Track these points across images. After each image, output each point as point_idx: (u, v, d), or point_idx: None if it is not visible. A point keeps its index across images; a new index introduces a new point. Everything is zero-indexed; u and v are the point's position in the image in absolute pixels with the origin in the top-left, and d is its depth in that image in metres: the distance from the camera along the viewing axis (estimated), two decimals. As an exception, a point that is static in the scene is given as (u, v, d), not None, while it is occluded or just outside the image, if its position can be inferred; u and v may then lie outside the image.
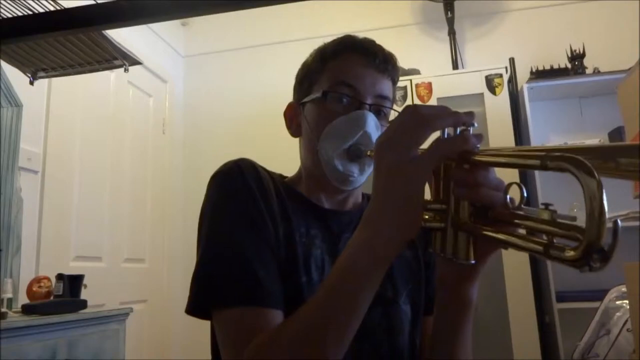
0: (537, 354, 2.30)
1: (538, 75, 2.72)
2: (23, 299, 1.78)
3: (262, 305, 0.60)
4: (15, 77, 1.82)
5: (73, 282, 1.77)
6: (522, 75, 2.78)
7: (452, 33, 2.97)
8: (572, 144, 2.67)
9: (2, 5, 1.23)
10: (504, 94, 2.58)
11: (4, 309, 1.54)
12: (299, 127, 0.80)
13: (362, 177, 0.75)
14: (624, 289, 1.84)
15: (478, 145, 0.49)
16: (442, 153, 0.49)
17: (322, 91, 0.74)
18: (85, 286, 1.84)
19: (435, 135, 0.51)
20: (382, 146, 0.51)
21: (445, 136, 0.51)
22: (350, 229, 0.76)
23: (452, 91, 2.65)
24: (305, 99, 0.78)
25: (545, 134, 2.84)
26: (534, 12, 3.05)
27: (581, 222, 0.36)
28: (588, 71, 2.70)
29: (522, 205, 0.45)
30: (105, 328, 1.81)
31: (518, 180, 0.46)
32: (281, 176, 0.82)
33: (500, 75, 2.61)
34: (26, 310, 1.59)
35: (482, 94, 2.60)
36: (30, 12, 1.21)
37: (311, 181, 0.79)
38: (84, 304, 1.76)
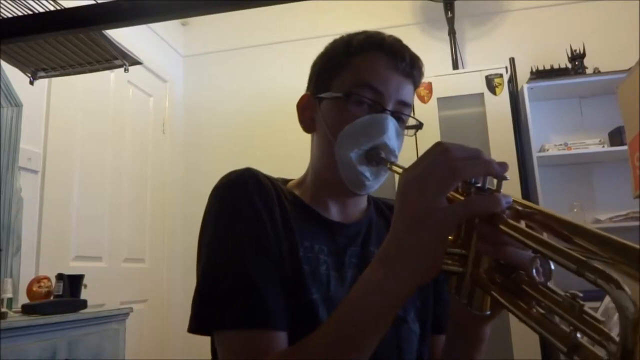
0: (537, 354, 2.30)
1: (538, 75, 2.72)
2: (23, 299, 1.79)
3: (265, 328, 0.58)
4: (15, 77, 1.82)
5: (73, 282, 1.77)
6: (522, 75, 2.78)
7: (452, 33, 2.97)
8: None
9: (2, 5, 1.23)
10: (504, 94, 2.58)
11: (4, 309, 1.54)
12: (312, 123, 0.77)
13: (376, 184, 0.72)
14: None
15: (507, 204, 0.46)
16: (471, 212, 0.46)
17: (344, 92, 0.70)
18: (85, 286, 1.84)
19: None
20: (409, 186, 0.48)
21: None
22: (357, 242, 0.74)
23: (452, 91, 2.66)
24: (324, 95, 0.73)
25: (546, 134, 2.84)
26: (534, 12, 3.05)
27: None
28: (588, 71, 2.70)
29: (549, 284, 0.43)
30: (105, 328, 1.81)
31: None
32: (284, 180, 0.79)
33: (501, 75, 2.61)
34: (26, 310, 1.60)
35: (482, 94, 2.60)
36: (30, 12, 1.21)
37: (319, 184, 0.75)
38: (84, 304, 1.76)
